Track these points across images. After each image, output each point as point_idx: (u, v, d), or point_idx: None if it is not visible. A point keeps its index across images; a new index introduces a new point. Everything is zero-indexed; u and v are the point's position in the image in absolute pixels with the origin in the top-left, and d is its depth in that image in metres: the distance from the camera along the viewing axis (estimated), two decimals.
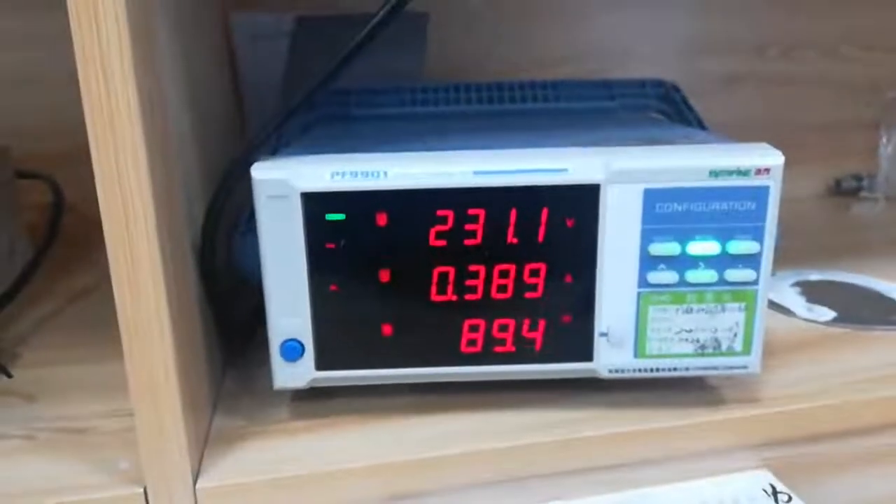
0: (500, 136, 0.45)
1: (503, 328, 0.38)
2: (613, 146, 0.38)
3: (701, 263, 0.37)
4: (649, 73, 0.59)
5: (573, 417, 0.40)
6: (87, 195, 0.36)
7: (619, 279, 0.37)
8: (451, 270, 0.37)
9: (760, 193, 0.36)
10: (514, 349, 0.38)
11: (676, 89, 0.55)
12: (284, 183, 0.35)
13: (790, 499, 0.39)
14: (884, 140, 0.81)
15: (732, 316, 0.38)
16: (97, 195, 0.31)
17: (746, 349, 0.38)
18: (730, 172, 0.36)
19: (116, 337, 0.32)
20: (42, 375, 0.46)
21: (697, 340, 0.38)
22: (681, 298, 0.37)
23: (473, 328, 0.38)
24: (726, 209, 0.36)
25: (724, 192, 0.36)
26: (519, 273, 0.37)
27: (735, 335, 0.38)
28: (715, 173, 0.36)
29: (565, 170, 0.36)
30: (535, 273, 0.37)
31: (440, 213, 0.36)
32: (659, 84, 0.55)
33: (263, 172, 0.36)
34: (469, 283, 0.37)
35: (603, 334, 0.38)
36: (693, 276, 0.37)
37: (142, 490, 0.34)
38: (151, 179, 0.31)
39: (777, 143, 0.37)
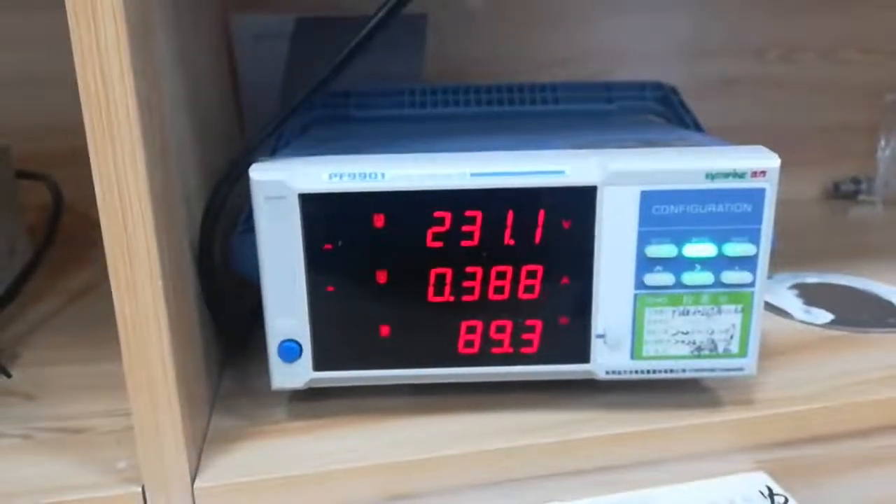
0: (497, 138, 0.45)
1: (500, 329, 0.38)
2: (610, 148, 0.38)
3: (697, 265, 0.37)
4: (648, 75, 0.59)
5: (570, 419, 0.40)
6: (86, 195, 0.36)
7: (615, 281, 0.37)
8: (449, 272, 0.37)
9: (756, 196, 0.36)
10: (511, 350, 0.38)
11: (675, 92, 0.55)
12: (282, 184, 0.36)
13: (786, 501, 0.39)
14: (882, 143, 0.81)
15: (729, 318, 0.38)
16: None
17: (743, 351, 0.38)
18: (726, 175, 0.36)
19: (115, 337, 0.32)
20: (41, 375, 0.46)
21: (694, 342, 0.38)
22: (677, 300, 0.37)
23: (471, 329, 0.38)
24: (722, 211, 0.36)
25: (721, 195, 0.36)
26: (516, 275, 0.37)
27: (731, 337, 0.38)
28: (711, 176, 0.36)
29: (562, 171, 0.36)
30: (532, 275, 0.37)
31: (437, 214, 0.36)
32: (657, 87, 0.55)
33: (261, 173, 0.36)
34: (466, 284, 0.37)
35: (600, 336, 0.38)
36: (689, 278, 0.37)
37: (140, 489, 0.34)
38: (150, 179, 0.31)
39: (775, 146, 0.37)
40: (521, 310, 0.38)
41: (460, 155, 0.38)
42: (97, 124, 0.30)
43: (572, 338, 0.38)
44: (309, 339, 0.38)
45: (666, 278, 0.37)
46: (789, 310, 0.53)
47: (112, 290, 0.32)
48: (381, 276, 0.37)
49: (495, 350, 0.38)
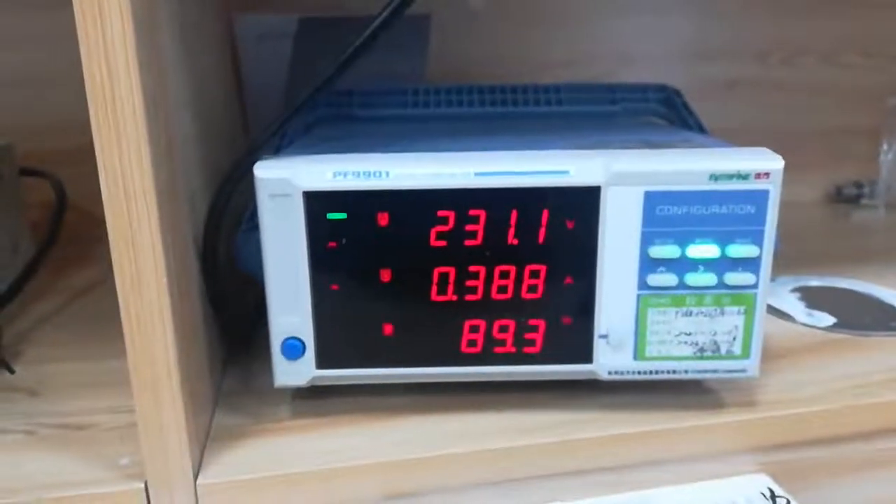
0: (501, 139, 0.45)
1: (503, 329, 0.38)
2: (614, 149, 0.38)
3: (700, 266, 0.37)
4: (652, 77, 0.59)
5: (572, 419, 0.40)
6: (89, 193, 0.36)
7: (618, 281, 0.37)
8: (452, 271, 0.37)
9: (760, 197, 0.36)
10: (514, 350, 0.38)
11: (678, 94, 0.55)
12: (287, 182, 0.36)
13: (788, 503, 0.39)
14: (884, 147, 0.81)
15: (731, 319, 0.38)
16: (100, 193, 0.31)
17: (745, 353, 0.38)
18: (730, 176, 0.36)
19: (119, 334, 0.32)
20: (44, 371, 0.46)
21: (696, 343, 0.38)
22: (680, 301, 0.38)
23: (474, 329, 0.38)
24: (726, 213, 0.36)
25: (724, 196, 0.36)
26: (519, 274, 0.37)
27: (734, 339, 0.38)
28: (715, 177, 0.36)
29: (566, 172, 0.36)
30: (535, 274, 0.37)
31: (441, 213, 0.36)
32: (661, 89, 0.55)
33: (266, 171, 0.36)
34: (469, 283, 0.37)
35: (603, 336, 0.38)
36: (692, 279, 0.37)
37: (143, 486, 0.34)
38: (155, 176, 0.31)
39: (778, 150, 0.37)
40: (524, 309, 0.38)
41: (464, 154, 0.38)
42: (103, 119, 0.30)
43: (575, 338, 0.38)
44: (312, 337, 0.38)
45: (669, 279, 0.37)
46: (791, 313, 0.53)
47: (116, 287, 0.32)
48: (385, 275, 0.37)
49: (498, 349, 0.38)
